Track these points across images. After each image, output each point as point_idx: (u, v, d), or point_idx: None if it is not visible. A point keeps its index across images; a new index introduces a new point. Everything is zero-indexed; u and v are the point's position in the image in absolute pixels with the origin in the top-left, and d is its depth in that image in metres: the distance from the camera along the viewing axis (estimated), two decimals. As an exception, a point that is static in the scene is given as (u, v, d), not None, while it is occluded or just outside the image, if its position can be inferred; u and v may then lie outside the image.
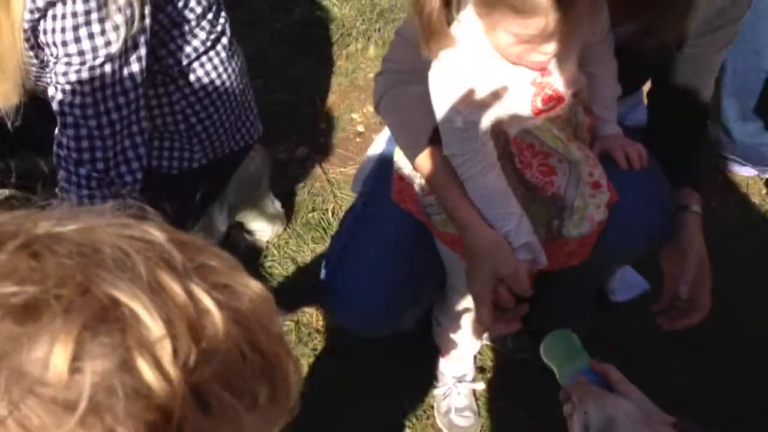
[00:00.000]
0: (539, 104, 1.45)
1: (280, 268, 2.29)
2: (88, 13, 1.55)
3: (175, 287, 0.57)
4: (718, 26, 1.57)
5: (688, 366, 2.06)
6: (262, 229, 2.33)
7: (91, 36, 1.57)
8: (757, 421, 1.90)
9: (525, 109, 1.45)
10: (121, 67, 1.62)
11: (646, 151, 1.57)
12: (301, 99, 2.75)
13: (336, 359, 2.08)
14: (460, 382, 2.01)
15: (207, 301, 0.58)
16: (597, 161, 1.51)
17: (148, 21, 1.64)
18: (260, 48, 2.85)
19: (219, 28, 1.92)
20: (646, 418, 1.09)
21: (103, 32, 1.57)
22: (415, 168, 1.56)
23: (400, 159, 1.67)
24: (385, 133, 1.87)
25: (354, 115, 2.74)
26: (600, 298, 2.09)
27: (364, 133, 2.68)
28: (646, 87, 1.80)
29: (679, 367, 2.05)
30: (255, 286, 0.63)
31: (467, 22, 1.39)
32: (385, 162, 1.77)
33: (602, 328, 2.01)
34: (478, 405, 2.04)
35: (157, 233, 0.61)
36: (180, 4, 1.80)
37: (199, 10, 1.84)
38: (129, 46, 1.61)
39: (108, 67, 1.60)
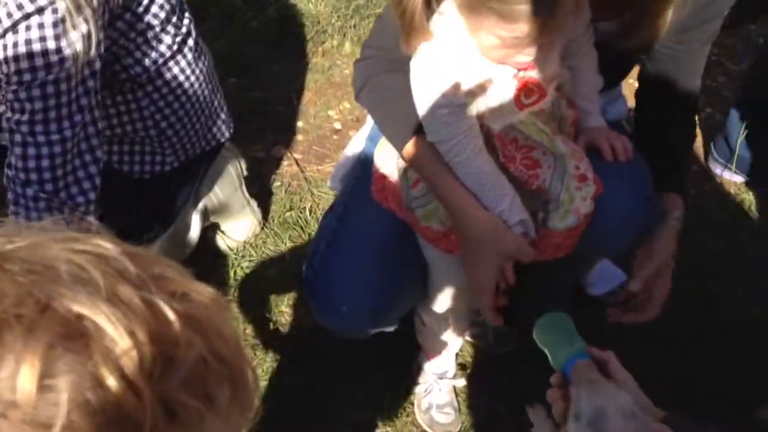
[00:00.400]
0: (522, 99, 1.44)
1: (258, 268, 2.27)
2: (41, 27, 1.50)
3: (135, 299, 0.58)
4: (703, 21, 1.58)
5: (667, 361, 2.06)
6: (238, 229, 2.31)
7: (44, 53, 1.52)
8: (739, 419, 1.90)
9: (508, 103, 1.44)
10: (76, 85, 1.57)
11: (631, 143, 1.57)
12: (277, 97, 2.74)
13: (315, 357, 2.06)
14: (441, 378, 2.00)
15: (167, 311, 0.59)
16: (583, 154, 1.51)
17: (101, 34, 1.59)
18: (235, 46, 2.83)
19: (184, 29, 1.89)
20: (639, 411, 1.06)
21: (58, 50, 1.52)
22: (403, 157, 1.54)
23: (380, 156, 1.65)
24: (364, 131, 1.85)
25: (330, 112, 2.73)
26: (578, 293, 2.09)
27: (341, 131, 2.67)
28: (626, 82, 1.81)
29: (659, 361, 2.05)
30: (208, 292, 0.64)
31: (448, 16, 1.38)
32: (364, 160, 1.76)
33: (582, 320, 2.00)
34: (458, 401, 2.03)
35: (109, 246, 0.61)
36: (140, 10, 1.75)
37: (162, 15, 1.80)
38: (83, 63, 1.56)
39: (64, 86, 1.55)
